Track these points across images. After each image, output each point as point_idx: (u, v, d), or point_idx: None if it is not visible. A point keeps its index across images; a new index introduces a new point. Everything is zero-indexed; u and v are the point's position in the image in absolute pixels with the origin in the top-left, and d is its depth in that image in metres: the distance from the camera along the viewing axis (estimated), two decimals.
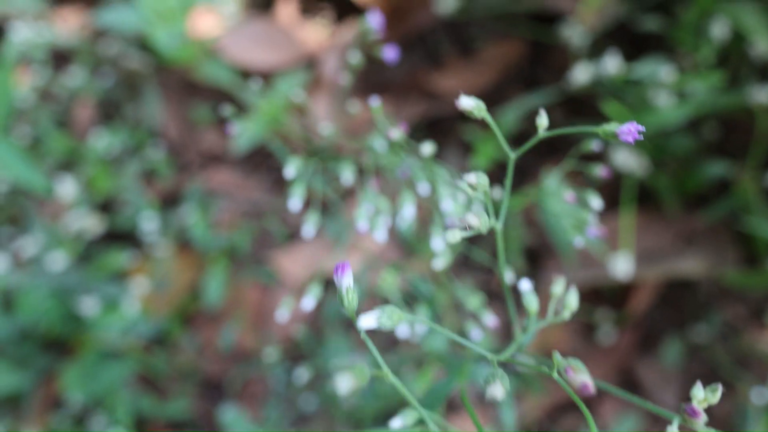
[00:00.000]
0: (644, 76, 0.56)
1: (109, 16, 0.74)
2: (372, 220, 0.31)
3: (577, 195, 0.30)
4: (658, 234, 0.75)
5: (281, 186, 0.97)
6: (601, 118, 0.74)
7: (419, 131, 0.92)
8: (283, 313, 0.35)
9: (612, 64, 0.58)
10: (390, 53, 0.40)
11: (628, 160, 0.66)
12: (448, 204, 0.30)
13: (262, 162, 0.99)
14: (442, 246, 0.30)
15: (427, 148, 0.31)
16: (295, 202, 0.32)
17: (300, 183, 0.32)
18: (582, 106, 0.80)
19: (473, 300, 0.31)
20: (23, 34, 0.79)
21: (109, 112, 1.00)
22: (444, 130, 0.91)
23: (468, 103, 0.21)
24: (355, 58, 0.41)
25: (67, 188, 0.78)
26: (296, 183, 0.31)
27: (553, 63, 0.85)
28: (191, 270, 0.92)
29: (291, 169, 0.31)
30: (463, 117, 0.89)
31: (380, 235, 0.31)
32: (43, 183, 0.73)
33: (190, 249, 0.92)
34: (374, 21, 0.42)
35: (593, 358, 0.81)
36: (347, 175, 0.33)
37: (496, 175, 0.86)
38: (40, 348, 0.89)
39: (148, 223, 0.84)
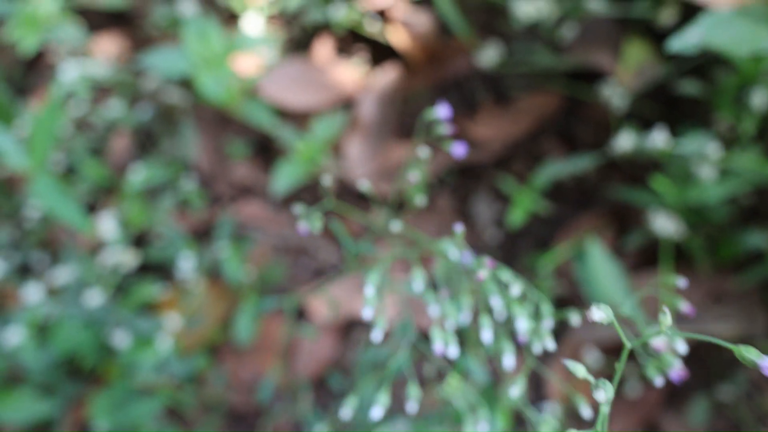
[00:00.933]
0: (690, 151, 0.56)
1: (154, 59, 0.74)
2: (446, 336, 0.31)
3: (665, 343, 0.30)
4: (690, 293, 0.75)
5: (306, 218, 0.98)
6: (639, 182, 0.74)
7: (450, 175, 0.92)
8: (346, 413, 0.35)
9: (659, 138, 0.58)
10: (459, 150, 0.40)
11: (666, 226, 0.66)
12: (523, 324, 0.30)
13: (294, 196, 0.99)
14: (512, 364, 0.30)
15: (516, 289, 0.31)
16: (368, 312, 0.32)
17: (378, 297, 0.32)
18: (619, 167, 0.80)
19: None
20: (72, 73, 0.79)
21: (145, 144, 1.01)
22: (476, 175, 0.91)
23: (599, 315, 0.21)
24: (424, 152, 0.41)
25: (107, 226, 0.79)
26: (373, 298, 0.31)
27: (589, 117, 0.85)
28: (222, 303, 0.92)
29: (370, 288, 0.31)
30: (497, 164, 0.88)
31: (453, 351, 0.31)
32: (82, 221, 0.74)
33: (221, 281, 0.93)
34: (443, 112, 0.42)
35: (620, 409, 0.81)
36: (418, 284, 0.33)
37: (529, 229, 0.86)
38: (69, 375, 0.89)
39: (183, 261, 0.85)
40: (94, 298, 0.80)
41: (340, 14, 0.82)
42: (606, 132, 0.84)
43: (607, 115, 0.83)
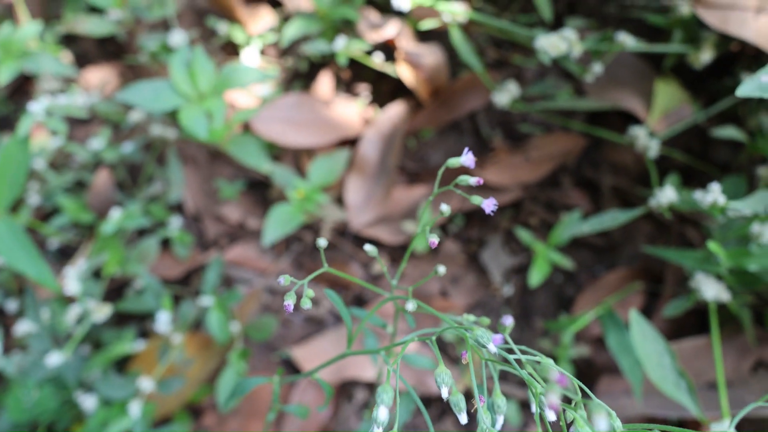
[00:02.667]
0: (754, 210, 0.45)
1: (133, 95, 0.63)
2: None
3: None
4: (738, 362, 0.63)
5: (301, 265, 0.85)
6: (669, 233, 0.63)
7: (456, 217, 0.81)
8: None
9: (714, 194, 0.47)
10: (489, 205, 0.30)
11: (715, 292, 0.54)
12: None
13: (291, 236, 0.87)
14: None
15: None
16: None
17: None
18: (648, 217, 0.69)
19: None
20: (42, 103, 0.69)
21: (127, 180, 0.90)
22: (483, 219, 0.80)
23: None
24: (446, 208, 0.32)
25: (72, 284, 0.67)
26: (384, 421, 0.20)
27: (611, 160, 0.74)
28: (206, 358, 0.79)
29: (383, 411, 0.20)
30: (512, 206, 0.75)
31: None
32: (44, 276, 0.62)
33: (205, 333, 0.80)
34: (467, 161, 0.32)
35: None
36: (445, 391, 0.23)
37: (547, 279, 0.74)
38: None
39: (162, 314, 0.72)
40: (57, 355, 0.67)
41: (340, 45, 0.72)
42: (631, 177, 0.73)
43: (631, 159, 0.72)
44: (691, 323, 0.67)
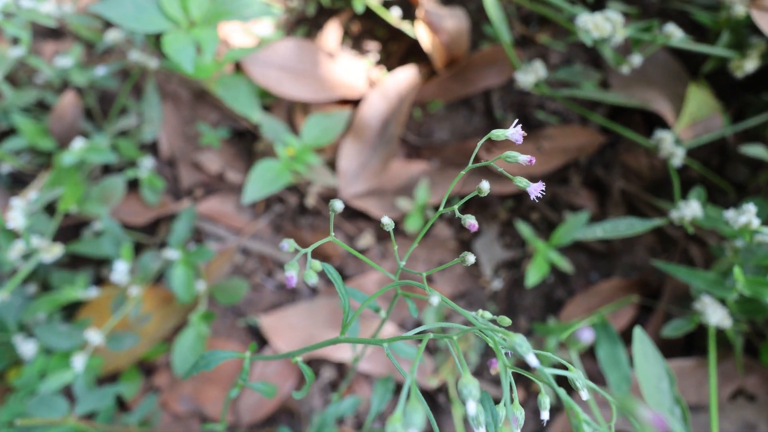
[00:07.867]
0: None
1: (111, 9, 0.54)
2: None
3: None
4: (719, 387, 0.61)
5: (280, 228, 0.79)
6: (673, 246, 0.59)
7: (453, 200, 0.75)
8: None
9: (748, 216, 0.42)
10: (535, 190, 0.28)
11: (723, 321, 0.51)
12: None
13: (273, 196, 0.80)
14: None
15: None
16: None
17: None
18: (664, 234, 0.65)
19: None
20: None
21: (99, 108, 0.80)
22: (481, 206, 0.75)
23: None
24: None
25: (18, 218, 0.58)
26: None
27: (625, 162, 0.69)
28: (165, 314, 0.73)
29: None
30: (511, 196, 0.69)
31: None
32: None
33: (166, 287, 0.73)
34: (515, 134, 0.28)
35: None
36: (471, 407, 0.20)
37: (541, 283, 0.70)
38: None
39: (120, 262, 0.65)
40: None
41: None
42: (643, 184, 0.69)
43: (646, 165, 0.68)
44: (677, 342, 0.65)
